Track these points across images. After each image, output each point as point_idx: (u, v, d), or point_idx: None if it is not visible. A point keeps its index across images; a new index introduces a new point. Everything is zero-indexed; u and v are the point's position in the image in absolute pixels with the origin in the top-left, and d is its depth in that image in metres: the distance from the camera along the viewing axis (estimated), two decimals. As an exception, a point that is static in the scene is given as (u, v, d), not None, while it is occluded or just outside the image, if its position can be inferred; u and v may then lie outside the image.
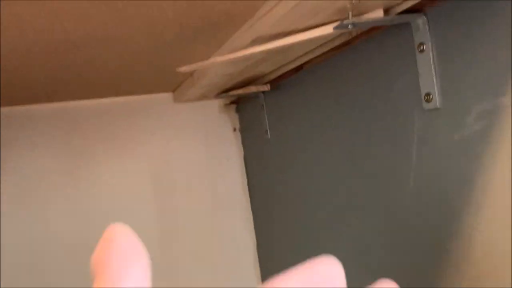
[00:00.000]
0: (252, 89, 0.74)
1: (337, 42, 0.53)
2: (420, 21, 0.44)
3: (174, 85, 0.83)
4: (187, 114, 0.90)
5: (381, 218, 0.55)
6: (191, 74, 0.74)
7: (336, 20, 0.45)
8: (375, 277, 0.17)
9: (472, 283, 0.42)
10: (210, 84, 0.73)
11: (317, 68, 0.63)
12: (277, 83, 0.74)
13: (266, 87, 0.75)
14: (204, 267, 0.88)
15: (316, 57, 0.60)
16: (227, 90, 0.81)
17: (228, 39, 0.54)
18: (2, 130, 0.77)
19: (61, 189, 0.81)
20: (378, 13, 0.43)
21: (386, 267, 0.55)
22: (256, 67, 0.65)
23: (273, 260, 0.87)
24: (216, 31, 0.50)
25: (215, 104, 0.93)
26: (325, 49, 0.56)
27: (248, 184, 0.94)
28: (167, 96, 0.88)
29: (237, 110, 0.95)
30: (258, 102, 0.82)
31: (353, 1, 0.39)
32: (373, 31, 0.49)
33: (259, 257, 0.92)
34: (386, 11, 0.44)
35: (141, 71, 0.65)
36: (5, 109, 0.78)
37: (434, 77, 0.44)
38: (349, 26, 0.42)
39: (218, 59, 0.51)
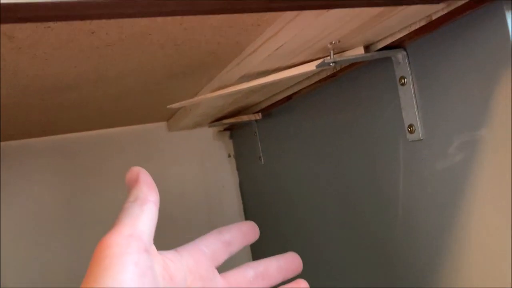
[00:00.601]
0: (244, 118, 0.76)
1: (323, 75, 0.55)
2: (400, 55, 0.46)
3: (168, 115, 0.84)
4: (181, 142, 0.91)
5: (372, 248, 0.55)
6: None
7: (319, 58, 0.47)
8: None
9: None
10: (203, 114, 0.75)
11: (305, 98, 0.64)
12: (269, 111, 0.76)
13: (258, 116, 0.76)
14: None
15: (304, 88, 0.61)
16: (220, 119, 0.82)
17: (217, 74, 0.56)
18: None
19: (59, 220, 0.81)
20: (359, 50, 0.45)
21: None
22: (246, 98, 0.67)
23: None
24: (205, 69, 0.52)
25: (209, 131, 0.94)
26: (312, 81, 0.58)
27: (244, 209, 0.94)
28: (161, 125, 0.90)
29: (231, 137, 0.96)
30: (251, 129, 0.84)
31: (333, 42, 0.41)
32: (356, 64, 0.51)
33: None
34: (367, 48, 0.46)
35: (133, 106, 0.67)
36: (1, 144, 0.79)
37: (416, 110, 0.45)
38: (331, 64, 0.44)
39: (208, 95, 0.52)
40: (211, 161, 0.94)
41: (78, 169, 0.83)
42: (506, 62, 0.36)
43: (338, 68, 0.51)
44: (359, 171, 0.56)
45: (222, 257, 0.33)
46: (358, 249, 0.58)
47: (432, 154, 0.45)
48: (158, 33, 0.38)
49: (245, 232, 0.35)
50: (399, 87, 0.47)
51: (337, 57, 0.44)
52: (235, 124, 0.87)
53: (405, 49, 0.45)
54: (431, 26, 0.40)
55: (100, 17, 0.25)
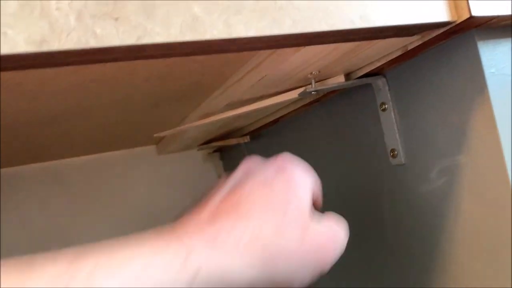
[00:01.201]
0: (233, 141, 0.76)
1: (307, 100, 0.56)
2: (380, 82, 0.47)
3: (157, 139, 0.85)
4: (171, 164, 0.92)
5: (362, 273, 0.56)
6: (172, 130, 0.76)
7: (302, 86, 0.48)
8: None
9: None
10: (191, 138, 0.75)
11: (292, 122, 0.65)
12: (257, 133, 0.77)
13: (246, 139, 0.77)
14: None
15: (290, 112, 0.62)
16: (209, 141, 0.83)
17: (203, 101, 0.57)
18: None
19: (50, 248, 0.81)
20: (340, 78, 0.46)
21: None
22: (234, 123, 0.68)
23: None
24: (190, 97, 0.53)
25: (199, 154, 0.95)
26: (297, 105, 0.59)
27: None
28: (150, 149, 0.90)
29: (221, 158, 0.96)
30: (241, 150, 0.84)
31: (313, 73, 0.42)
32: (339, 89, 0.52)
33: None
34: (348, 75, 0.47)
35: (121, 133, 0.67)
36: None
37: (397, 135, 0.46)
38: (313, 93, 0.45)
39: (193, 124, 0.53)
40: (202, 183, 0.94)
41: (69, 195, 0.83)
42: (480, 89, 0.37)
43: (321, 95, 0.52)
44: (346, 194, 0.56)
45: None
46: (349, 271, 0.59)
47: (414, 178, 0.45)
48: (141, 68, 0.38)
49: None
50: (380, 112, 0.48)
51: (319, 86, 0.45)
52: (225, 146, 0.88)
53: (384, 76, 0.47)
54: (408, 55, 0.41)
55: (81, 63, 0.26)
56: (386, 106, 0.47)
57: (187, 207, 0.34)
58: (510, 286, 0.37)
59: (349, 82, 0.46)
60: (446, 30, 0.35)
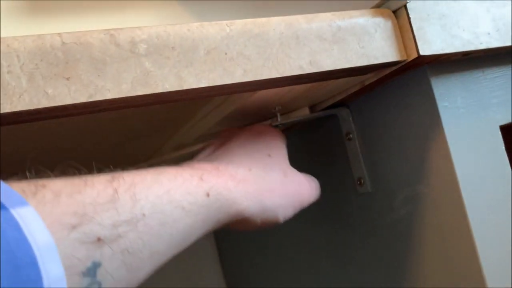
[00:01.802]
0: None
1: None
2: (344, 113, 0.48)
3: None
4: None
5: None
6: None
7: (270, 118, 0.49)
8: None
9: None
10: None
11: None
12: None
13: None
14: None
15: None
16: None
17: (174, 134, 0.57)
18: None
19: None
20: (304, 111, 0.47)
21: None
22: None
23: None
24: (161, 131, 0.54)
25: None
26: (269, 133, 0.60)
27: (219, 255, 0.94)
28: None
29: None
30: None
31: (276, 108, 0.43)
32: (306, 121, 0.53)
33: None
34: (313, 107, 0.48)
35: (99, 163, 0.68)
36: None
37: (362, 164, 0.47)
38: (279, 126, 0.46)
39: (166, 157, 0.54)
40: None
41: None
42: (435, 123, 0.39)
43: (288, 126, 0.53)
44: (318, 219, 0.57)
45: None
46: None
47: (380, 206, 0.46)
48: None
49: None
50: (346, 142, 0.49)
51: (284, 119, 0.46)
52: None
53: (348, 107, 0.48)
54: (366, 89, 0.42)
55: (36, 120, 0.27)
56: (351, 135, 0.48)
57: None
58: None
59: (314, 114, 0.47)
60: (398, 68, 0.36)
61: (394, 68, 0.36)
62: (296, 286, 0.65)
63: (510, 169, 0.41)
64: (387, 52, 0.34)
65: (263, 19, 0.31)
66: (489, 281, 0.37)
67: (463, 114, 0.39)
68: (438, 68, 0.39)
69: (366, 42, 0.33)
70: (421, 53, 0.34)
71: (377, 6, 0.36)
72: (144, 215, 0.26)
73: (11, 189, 0.22)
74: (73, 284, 0.21)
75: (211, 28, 0.29)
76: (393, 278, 0.46)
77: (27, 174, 0.26)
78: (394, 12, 0.36)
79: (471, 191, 0.38)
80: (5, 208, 0.20)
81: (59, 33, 0.26)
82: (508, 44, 0.39)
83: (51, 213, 0.22)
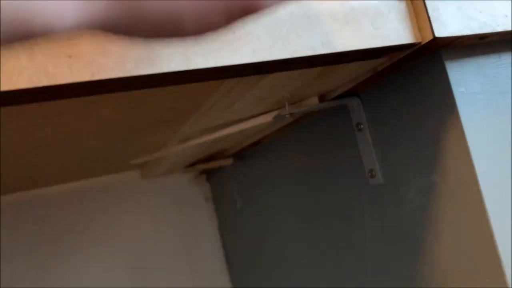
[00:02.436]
0: (216, 164, 0.76)
1: (284, 122, 0.55)
2: (354, 103, 0.47)
3: (140, 163, 0.84)
4: (157, 188, 0.91)
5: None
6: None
7: (277, 108, 0.48)
8: None
9: None
10: (175, 161, 0.75)
11: (272, 143, 0.65)
12: (241, 154, 0.76)
13: (230, 161, 0.76)
14: None
15: (270, 134, 0.62)
16: (193, 163, 0.82)
17: (180, 127, 0.56)
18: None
19: (34, 283, 0.79)
20: (314, 100, 0.46)
21: None
22: (215, 146, 0.67)
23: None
24: (167, 124, 0.52)
25: (185, 176, 0.94)
26: (277, 126, 0.59)
27: (225, 255, 0.93)
28: (134, 173, 0.89)
29: (208, 179, 0.96)
30: (225, 172, 0.84)
31: (285, 96, 0.42)
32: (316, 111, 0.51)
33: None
34: (323, 96, 0.47)
35: (102, 160, 0.67)
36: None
37: (374, 155, 0.46)
38: (287, 116, 0.44)
39: (172, 149, 0.53)
40: (188, 206, 0.93)
41: (52, 226, 0.82)
42: (450, 109, 0.37)
43: (297, 117, 0.52)
44: (327, 214, 0.56)
45: None
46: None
47: (394, 198, 0.45)
48: (107, 100, 0.38)
49: None
50: (357, 132, 0.47)
51: (293, 108, 0.45)
52: (210, 168, 0.87)
53: (359, 97, 0.46)
54: (379, 76, 0.41)
55: (35, 101, 0.26)
56: (361, 126, 0.47)
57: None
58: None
59: (324, 104, 0.46)
60: (413, 51, 0.35)
61: (408, 51, 0.35)
62: (307, 284, 0.64)
63: (530, 158, 0.39)
64: (401, 34, 0.33)
65: (273, -2, 0.29)
66: (509, 278, 0.35)
67: (480, 100, 0.38)
68: (453, 53, 0.38)
69: (380, 23, 0.32)
70: (437, 35, 0.33)
71: (390, -13, 0.35)
72: None
73: None
74: None
75: (218, 6, 0.28)
76: (408, 275, 0.44)
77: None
78: (408, -7, 0.35)
79: (489, 182, 0.36)
80: None
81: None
82: (526, 27, 0.37)
83: None
